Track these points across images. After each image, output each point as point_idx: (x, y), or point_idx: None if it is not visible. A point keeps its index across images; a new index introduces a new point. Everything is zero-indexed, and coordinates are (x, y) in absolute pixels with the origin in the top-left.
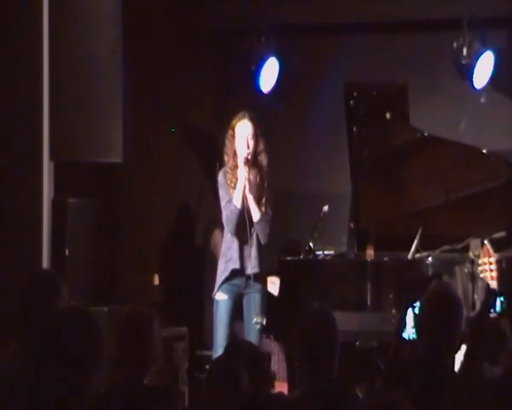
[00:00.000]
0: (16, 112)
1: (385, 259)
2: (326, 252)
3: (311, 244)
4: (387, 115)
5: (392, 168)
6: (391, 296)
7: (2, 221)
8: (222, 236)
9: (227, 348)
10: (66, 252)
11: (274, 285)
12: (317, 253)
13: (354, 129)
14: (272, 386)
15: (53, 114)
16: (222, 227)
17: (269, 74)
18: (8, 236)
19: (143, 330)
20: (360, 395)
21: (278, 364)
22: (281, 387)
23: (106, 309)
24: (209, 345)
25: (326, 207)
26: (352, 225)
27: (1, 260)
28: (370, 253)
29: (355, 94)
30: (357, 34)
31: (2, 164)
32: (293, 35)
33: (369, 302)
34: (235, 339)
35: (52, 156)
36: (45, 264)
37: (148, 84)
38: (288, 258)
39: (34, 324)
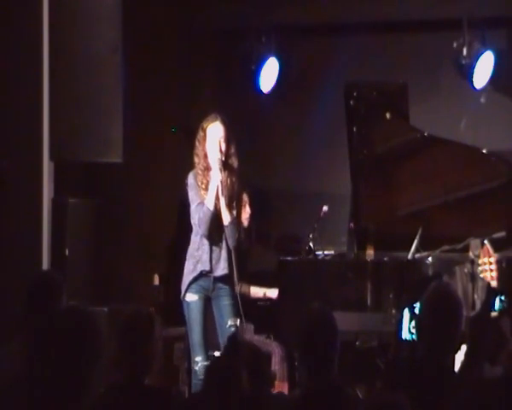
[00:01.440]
0: (16, 112)
1: (385, 259)
2: (326, 252)
3: (311, 244)
4: (387, 115)
5: (392, 168)
6: (391, 296)
7: (2, 221)
8: None
9: (226, 348)
10: (66, 252)
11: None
12: (317, 253)
13: (354, 129)
14: (272, 386)
15: (53, 114)
16: None
17: (269, 74)
18: (8, 236)
19: (144, 330)
20: (360, 395)
21: (278, 364)
22: (281, 387)
23: (106, 309)
24: (209, 345)
25: (326, 208)
26: (351, 225)
27: (1, 260)
28: (370, 253)
29: (355, 94)
30: (357, 34)
31: (2, 164)
32: (293, 35)
33: (369, 302)
34: (234, 339)
35: (52, 156)
36: (45, 264)
37: (148, 84)
38: (288, 258)
39: (36, 324)
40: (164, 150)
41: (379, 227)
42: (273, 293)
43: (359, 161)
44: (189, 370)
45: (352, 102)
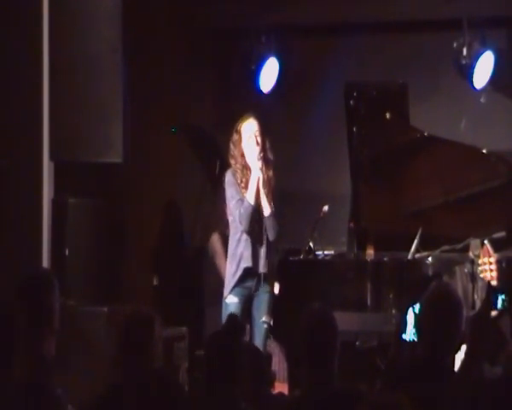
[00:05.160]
0: (16, 112)
1: (385, 259)
2: (326, 252)
3: (311, 244)
4: (387, 115)
5: (392, 168)
6: (391, 296)
7: (2, 221)
8: (220, 240)
9: (225, 327)
10: (67, 252)
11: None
12: (317, 253)
13: (354, 129)
14: (272, 386)
15: (53, 114)
16: (219, 230)
17: (269, 74)
18: (8, 236)
19: (144, 330)
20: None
21: (278, 364)
22: (281, 387)
23: (106, 309)
24: None
25: (326, 207)
26: (352, 225)
27: (1, 260)
28: (370, 253)
29: (355, 94)
30: (357, 34)
31: (2, 164)
32: (293, 35)
33: (369, 302)
34: (233, 319)
35: (52, 156)
36: (45, 264)
37: (148, 84)
38: (288, 258)
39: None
40: (164, 150)
41: (379, 227)
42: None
43: (359, 161)
44: (190, 370)
45: (351, 102)
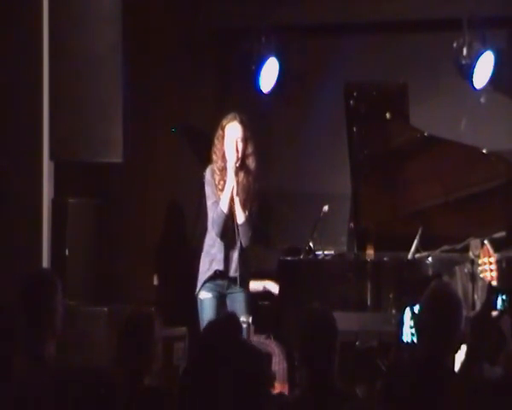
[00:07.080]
0: (16, 112)
1: (385, 259)
2: (326, 252)
3: (311, 244)
4: (387, 115)
5: (392, 168)
6: (391, 296)
7: (2, 221)
8: None
9: (223, 319)
10: (66, 252)
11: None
12: (317, 253)
13: (354, 129)
14: (272, 386)
15: (53, 114)
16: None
17: (269, 74)
18: (9, 236)
19: (144, 330)
20: (360, 395)
21: (278, 364)
22: (281, 387)
23: (106, 309)
24: None
25: (326, 207)
26: (351, 225)
27: (1, 260)
28: (370, 253)
29: (355, 94)
30: (357, 34)
31: (2, 164)
32: (293, 35)
33: (369, 302)
34: (232, 314)
35: (52, 156)
36: (45, 264)
37: (148, 84)
38: (288, 258)
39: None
40: (164, 150)
41: (379, 227)
42: (272, 286)
43: (359, 161)
44: None
45: (351, 102)
